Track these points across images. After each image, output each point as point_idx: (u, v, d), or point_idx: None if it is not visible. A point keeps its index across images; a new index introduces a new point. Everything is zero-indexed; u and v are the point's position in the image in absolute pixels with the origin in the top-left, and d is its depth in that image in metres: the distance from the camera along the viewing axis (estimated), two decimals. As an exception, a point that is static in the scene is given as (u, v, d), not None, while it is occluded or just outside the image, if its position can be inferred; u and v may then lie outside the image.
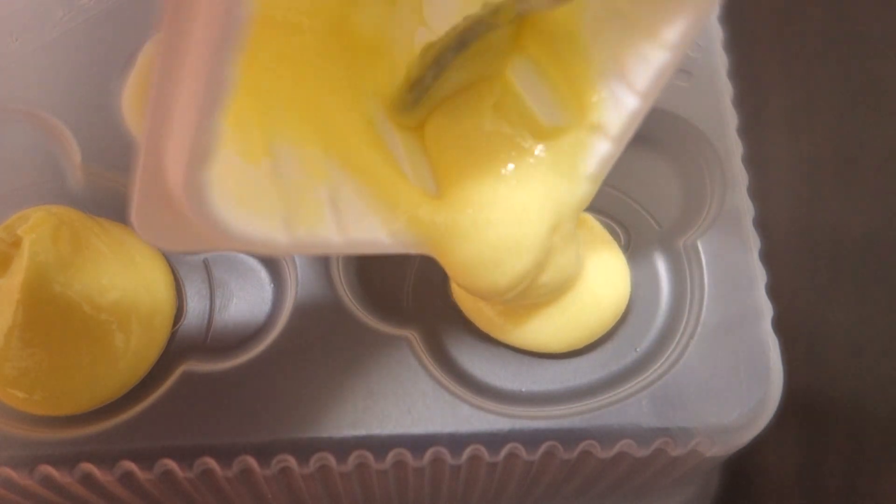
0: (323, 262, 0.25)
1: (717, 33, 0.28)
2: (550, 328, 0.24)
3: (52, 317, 0.23)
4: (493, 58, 0.21)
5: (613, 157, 0.20)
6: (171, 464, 0.23)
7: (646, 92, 0.19)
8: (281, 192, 0.17)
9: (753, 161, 0.27)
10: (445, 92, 0.21)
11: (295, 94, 0.19)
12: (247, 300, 0.26)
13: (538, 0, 0.20)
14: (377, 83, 0.21)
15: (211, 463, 0.23)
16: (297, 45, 0.19)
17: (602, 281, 0.24)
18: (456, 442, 0.23)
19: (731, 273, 0.25)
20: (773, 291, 0.25)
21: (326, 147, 0.19)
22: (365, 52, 0.20)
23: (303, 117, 0.19)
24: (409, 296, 0.25)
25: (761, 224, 0.26)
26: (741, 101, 0.28)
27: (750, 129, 0.28)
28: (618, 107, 0.20)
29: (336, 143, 0.19)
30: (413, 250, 0.20)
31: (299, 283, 0.25)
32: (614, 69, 0.19)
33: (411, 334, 0.24)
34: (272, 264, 0.26)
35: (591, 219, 0.25)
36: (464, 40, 0.20)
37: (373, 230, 0.19)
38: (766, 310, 0.24)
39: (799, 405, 0.38)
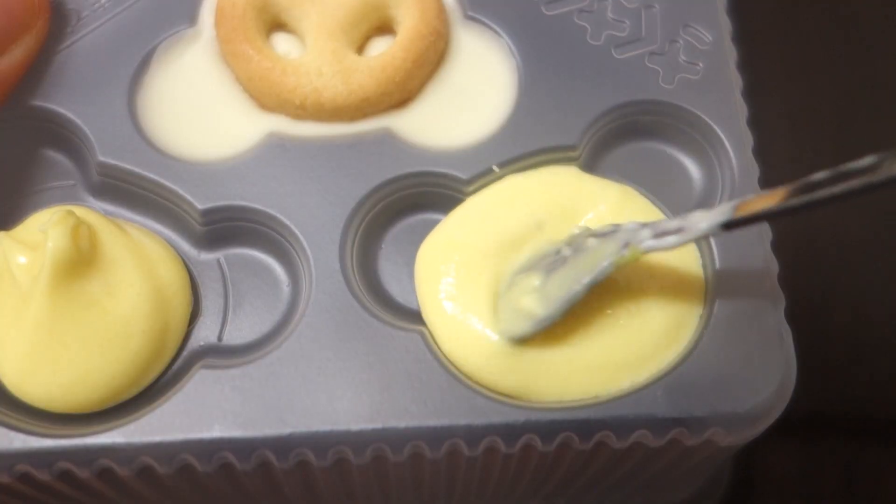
0: (338, 261, 0.25)
1: (725, 26, 0.28)
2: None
3: (71, 315, 0.23)
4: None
5: None
6: (189, 458, 0.23)
7: None
8: None
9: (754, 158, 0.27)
10: None
11: None
12: (262, 298, 0.26)
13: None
14: None
15: (229, 457, 0.23)
16: None
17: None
18: (472, 434, 0.23)
19: (744, 263, 0.25)
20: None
21: None
22: None
23: None
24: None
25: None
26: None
27: (750, 128, 0.28)
28: None
29: None
30: None
31: (314, 281, 0.25)
32: None
33: (425, 329, 0.25)
34: (288, 263, 0.26)
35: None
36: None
37: None
38: (780, 299, 0.24)
39: (800, 406, 0.38)
